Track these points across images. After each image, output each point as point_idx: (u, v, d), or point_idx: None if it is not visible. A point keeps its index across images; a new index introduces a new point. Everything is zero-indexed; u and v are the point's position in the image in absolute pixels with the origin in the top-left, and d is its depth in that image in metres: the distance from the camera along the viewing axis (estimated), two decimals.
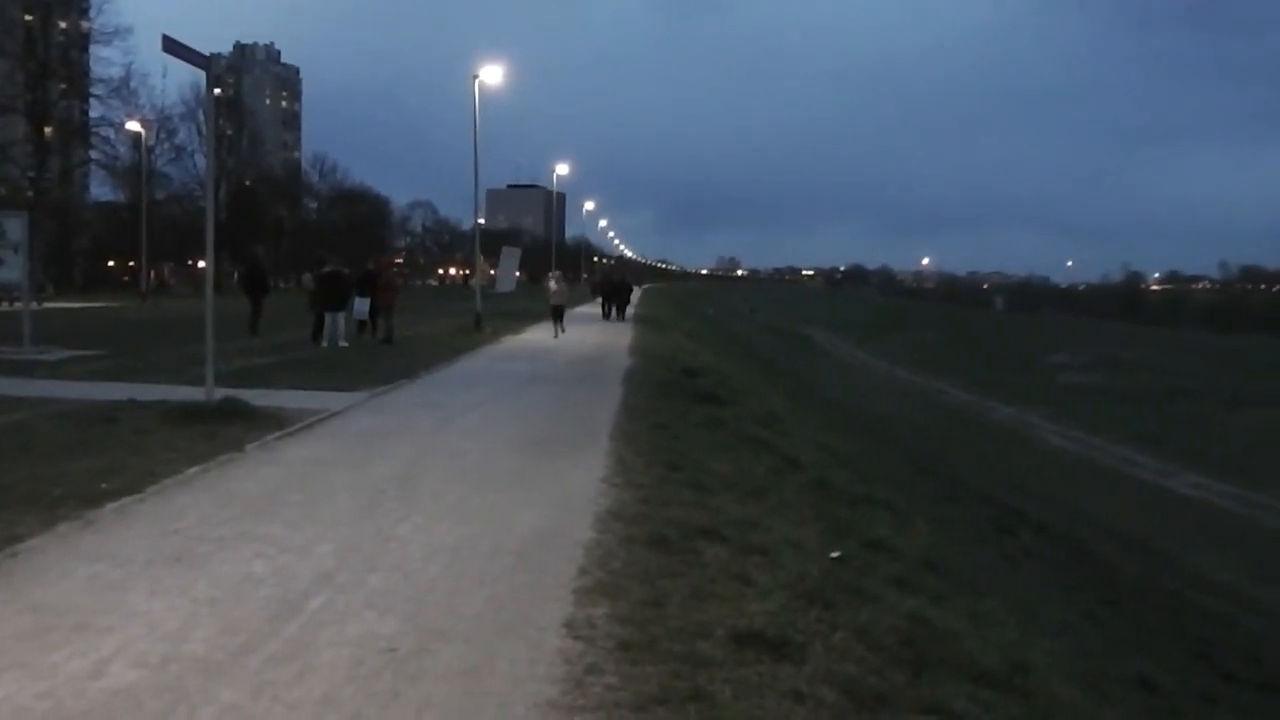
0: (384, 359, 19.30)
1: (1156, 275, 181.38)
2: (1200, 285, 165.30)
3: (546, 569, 6.00)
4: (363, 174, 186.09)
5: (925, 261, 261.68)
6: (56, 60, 66.20)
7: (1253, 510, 22.28)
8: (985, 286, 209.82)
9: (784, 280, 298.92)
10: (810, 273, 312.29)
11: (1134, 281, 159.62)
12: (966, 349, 61.47)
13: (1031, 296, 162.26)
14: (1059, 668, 7.78)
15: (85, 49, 67.92)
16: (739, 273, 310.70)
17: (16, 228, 20.56)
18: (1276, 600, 15.53)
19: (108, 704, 4.03)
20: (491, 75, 34.27)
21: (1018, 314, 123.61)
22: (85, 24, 68.84)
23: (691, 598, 5.52)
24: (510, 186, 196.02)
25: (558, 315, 30.95)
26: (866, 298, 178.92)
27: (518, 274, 45.49)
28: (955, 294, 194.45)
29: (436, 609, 5.27)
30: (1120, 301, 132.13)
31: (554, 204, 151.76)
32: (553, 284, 32.81)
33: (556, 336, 29.06)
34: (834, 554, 7.27)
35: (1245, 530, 20.58)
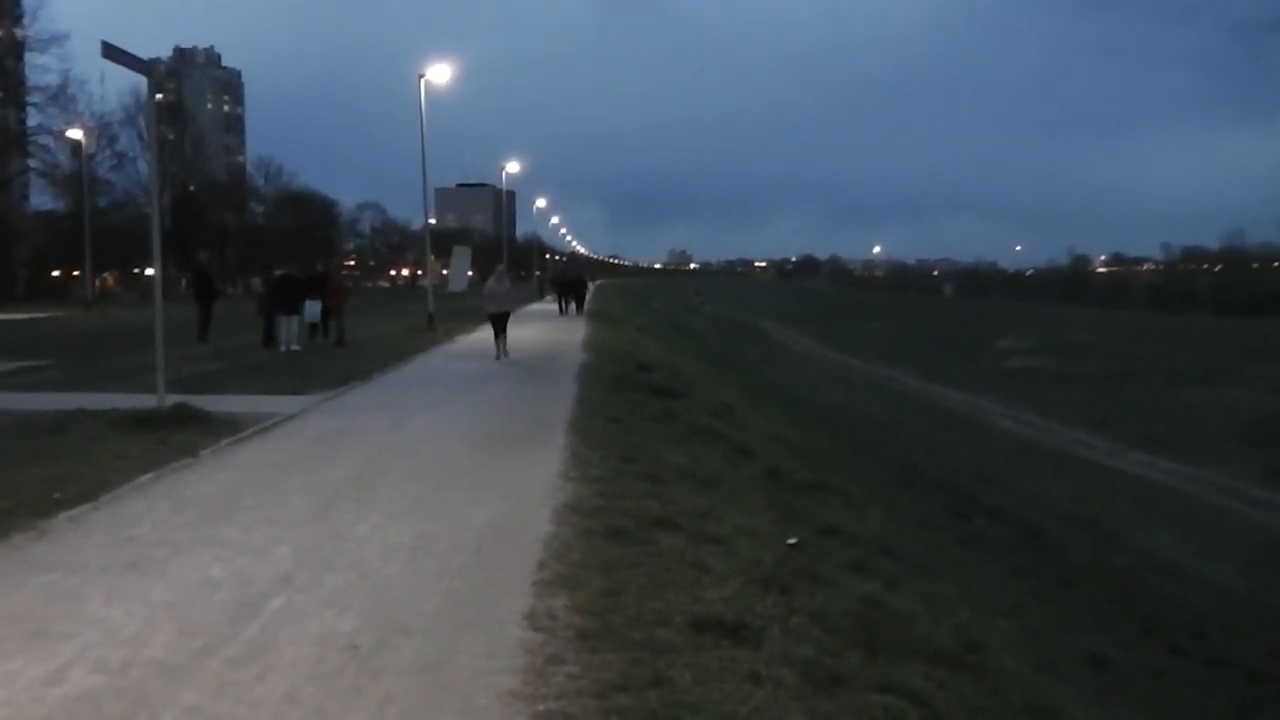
0: (337, 361, 19.20)
1: (1102, 258, 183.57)
2: (1145, 267, 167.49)
3: (505, 563, 6.05)
4: (309, 177, 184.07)
5: (876, 250, 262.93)
6: None
7: (1197, 487, 22.69)
8: (935, 274, 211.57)
9: (736, 273, 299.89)
10: (763, 264, 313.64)
11: (1080, 265, 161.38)
12: (916, 337, 61.99)
13: (980, 282, 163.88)
14: (1012, 647, 7.95)
15: (20, 57, 66.76)
16: (691, 266, 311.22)
17: None
18: (1220, 576, 15.86)
19: (69, 709, 4.04)
20: (438, 74, 34.09)
21: (967, 300, 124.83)
22: (19, 31, 67.64)
23: (650, 586, 5.59)
24: (459, 185, 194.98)
25: (500, 327, 21.15)
26: (817, 288, 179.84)
27: (469, 273, 45.28)
28: (905, 282, 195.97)
29: (396, 606, 5.30)
30: (1067, 285, 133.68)
31: (504, 202, 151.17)
32: (492, 282, 22.98)
33: (499, 358, 20.24)
34: (791, 540, 7.38)
35: (1190, 507, 20.97)
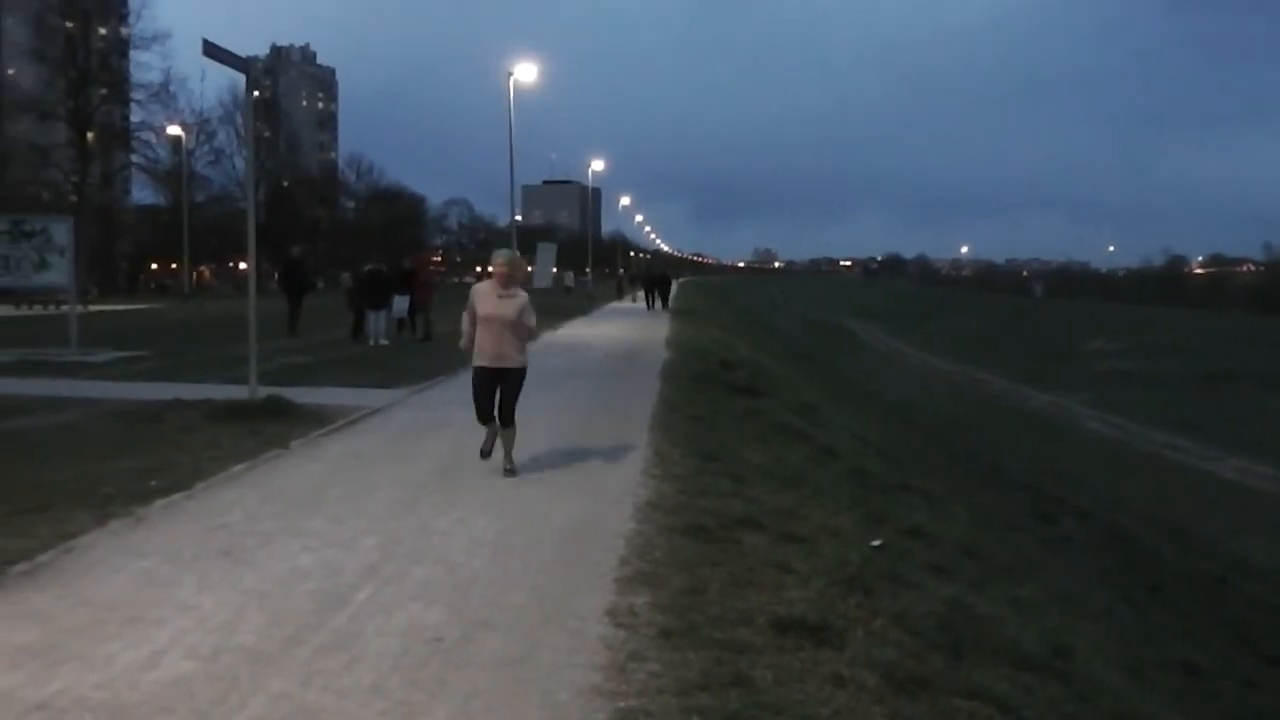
0: (423, 356, 19.44)
1: (1199, 259, 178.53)
2: (1244, 268, 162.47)
3: (587, 559, 6.08)
4: (399, 173, 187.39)
5: (964, 250, 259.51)
6: (97, 66, 67.14)
7: None
8: (1024, 274, 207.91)
9: (820, 271, 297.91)
10: (848, 263, 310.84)
11: (1176, 265, 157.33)
12: (1004, 337, 61.03)
13: (1071, 283, 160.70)
14: (1100, 652, 7.78)
15: (125, 54, 68.87)
16: (775, 264, 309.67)
17: (62, 232, 20.91)
18: None
19: (162, 694, 4.14)
20: (525, 72, 34.40)
21: (1057, 301, 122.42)
22: (125, 30, 69.82)
23: (731, 585, 5.58)
24: (545, 183, 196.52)
25: (491, 396, 8.72)
26: (903, 288, 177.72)
27: (554, 270, 45.59)
28: (993, 282, 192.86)
29: (480, 600, 5.35)
30: (1161, 286, 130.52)
31: (589, 199, 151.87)
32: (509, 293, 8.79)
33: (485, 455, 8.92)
34: (875, 542, 7.30)
35: None
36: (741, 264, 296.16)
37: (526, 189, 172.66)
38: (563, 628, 4.92)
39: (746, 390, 15.62)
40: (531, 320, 8.60)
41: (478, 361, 8.53)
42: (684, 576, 5.69)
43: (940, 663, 5.03)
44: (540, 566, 5.98)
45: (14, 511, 6.97)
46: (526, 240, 63.87)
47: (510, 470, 8.60)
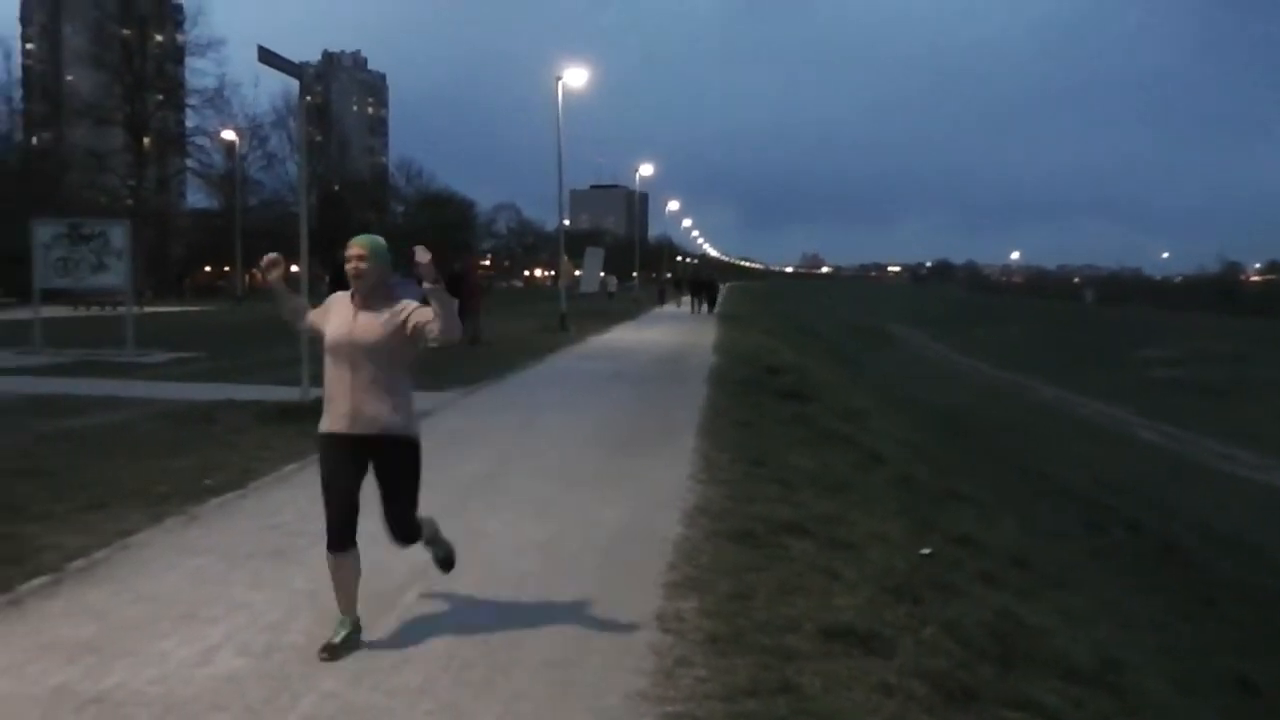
0: (471, 360, 19.57)
1: (1257, 266, 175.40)
2: None
3: (634, 564, 6.09)
4: (448, 177, 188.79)
5: (1015, 256, 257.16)
6: (153, 73, 68.27)
7: None
8: (1076, 280, 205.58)
9: (868, 277, 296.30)
10: (896, 269, 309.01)
11: (1232, 272, 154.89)
12: (1054, 344, 60.32)
13: (1123, 289, 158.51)
14: (1152, 665, 7.68)
15: (180, 61, 69.98)
16: (822, 269, 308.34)
17: (120, 235, 21.27)
18: None
19: (215, 690, 4.20)
20: (574, 77, 34.53)
21: (1109, 307, 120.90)
22: (180, 37, 70.94)
23: (779, 591, 5.57)
24: (593, 187, 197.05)
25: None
26: (952, 294, 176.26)
27: (602, 274, 45.71)
28: (1044, 288, 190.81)
29: (528, 603, 5.38)
30: (1217, 293, 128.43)
31: (636, 203, 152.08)
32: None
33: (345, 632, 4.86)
34: (924, 550, 7.26)
35: None
36: (788, 269, 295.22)
37: (574, 193, 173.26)
38: (610, 632, 4.93)
39: (793, 395, 15.57)
40: (426, 327, 4.60)
41: (324, 425, 4.82)
42: (731, 582, 5.69)
43: (990, 673, 4.99)
44: (588, 570, 6.00)
45: (72, 509, 7.11)
46: (575, 244, 64.03)
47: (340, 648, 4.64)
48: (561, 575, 5.89)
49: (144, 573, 5.82)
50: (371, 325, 4.65)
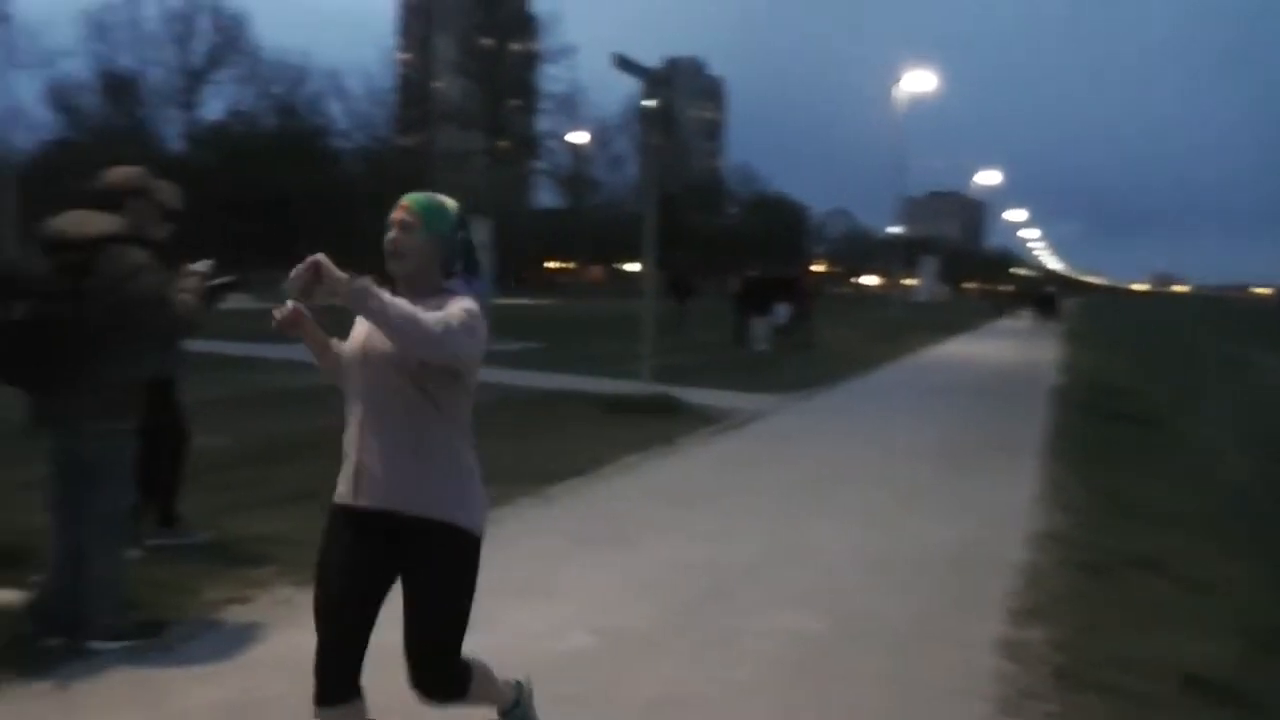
0: (803, 364, 19.58)
1: None
2: None
3: (974, 586, 5.87)
4: (781, 181, 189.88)
5: None
6: (512, 79, 72.79)
7: None
8: None
9: (1228, 297, 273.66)
10: (1266, 290, 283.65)
11: None
12: None
13: None
14: None
15: (536, 68, 74.21)
16: (1175, 288, 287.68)
17: (483, 231, 22.78)
18: None
19: (568, 664, 4.41)
20: (916, 82, 33.89)
21: None
22: (535, 46, 75.23)
23: (1132, 630, 5.21)
24: (930, 194, 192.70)
25: None
26: None
27: (938, 283, 44.60)
28: None
29: (862, 614, 5.29)
30: None
31: (973, 212, 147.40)
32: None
33: None
34: None
35: None
36: (1137, 286, 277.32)
37: (909, 200, 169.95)
38: (949, 654, 4.77)
39: (1142, 421, 14.57)
40: (454, 348, 2.80)
41: (338, 497, 3.03)
42: (1080, 615, 5.37)
43: None
44: (924, 587, 5.84)
45: None
46: (909, 252, 62.77)
47: None
48: (895, 590, 5.75)
49: (497, 548, 6.12)
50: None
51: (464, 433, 3.04)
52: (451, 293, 2.96)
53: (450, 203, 3.05)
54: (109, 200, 4.35)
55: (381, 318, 2.66)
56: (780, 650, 4.72)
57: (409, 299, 2.80)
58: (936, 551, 6.63)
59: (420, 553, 2.93)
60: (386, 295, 2.68)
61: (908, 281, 44.43)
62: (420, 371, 2.87)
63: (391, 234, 2.96)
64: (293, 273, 2.68)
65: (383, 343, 2.85)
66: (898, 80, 33.56)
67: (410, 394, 2.90)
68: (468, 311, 2.84)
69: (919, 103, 39.79)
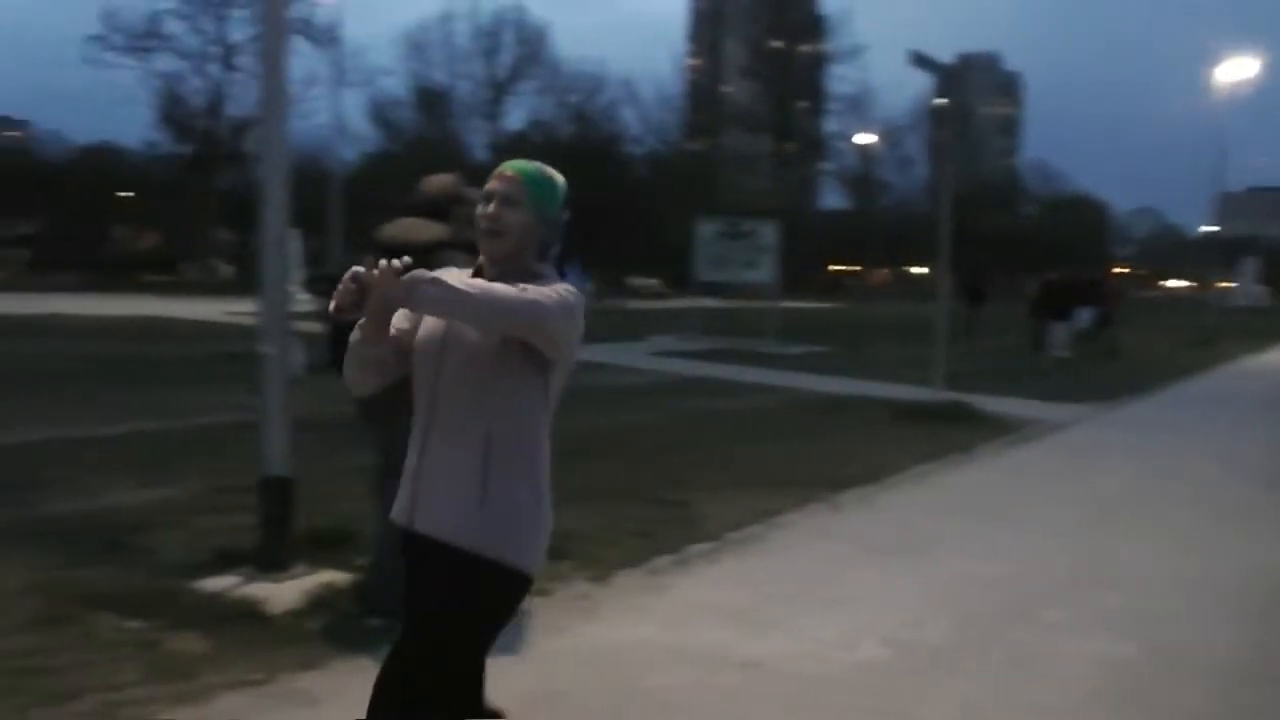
0: (1108, 372, 18.55)
1: None
2: None
3: None
4: (1082, 179, 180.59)
5: None
6: (800, 81, 72.75)
7: None
8: None
9: None
10: None
11: None
12: None
13: None
14: None
15: (824, 69, 73.89)
16: None
17: (769, 234, 22.90)
18: None
19: (858, 676, 4.31)
20: (1234, 69, 31.41)
21: None
22: (824, 46, 74.88)
23: None
24: (1249, 190, 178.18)
25: None
26: None
27: (1259, 286, 41.19)
28: None
29: (1180, 643, 4.91)
30: None
31: None
32: None
33: None
34: None
35: None
36: None
37: (1226, 196, 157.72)
38: None
39: None
40: (555, 348, 2.47)
41: (396, 514, 2.65)
42: None
43: None
44: (1251, 617, 5.37)
45: (721, 484, 7.74)
46: (1226, 253, 58.32)
47: None
48: (1218, 619, 5.29)
49: (789, 551, 6.17)
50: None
51: (540, 449, 2.56)
52: (546, 279, 2.51)
53: (559, 176, 2.60)
54: (436, 208, 4.61)
55: (449, 300, 2.29)
56: (1090, 676, 4.45)
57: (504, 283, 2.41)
58: (1264, 579, 6.10)
59: (444, 572, 2.49)
60: (441, 274, 2.31)
61: (1223, 285, 41.16)
62: (519, 369, 2.46)
63: (490, 207, 2.52)
64: (335, 293, 2.32)
65: (465, 331, 2.45)
66: (1215, 68, 31.18)
67: (492, 399, 2.48)
68: (566, 289, 2.45)
69: (1238, 91, 36.92)
